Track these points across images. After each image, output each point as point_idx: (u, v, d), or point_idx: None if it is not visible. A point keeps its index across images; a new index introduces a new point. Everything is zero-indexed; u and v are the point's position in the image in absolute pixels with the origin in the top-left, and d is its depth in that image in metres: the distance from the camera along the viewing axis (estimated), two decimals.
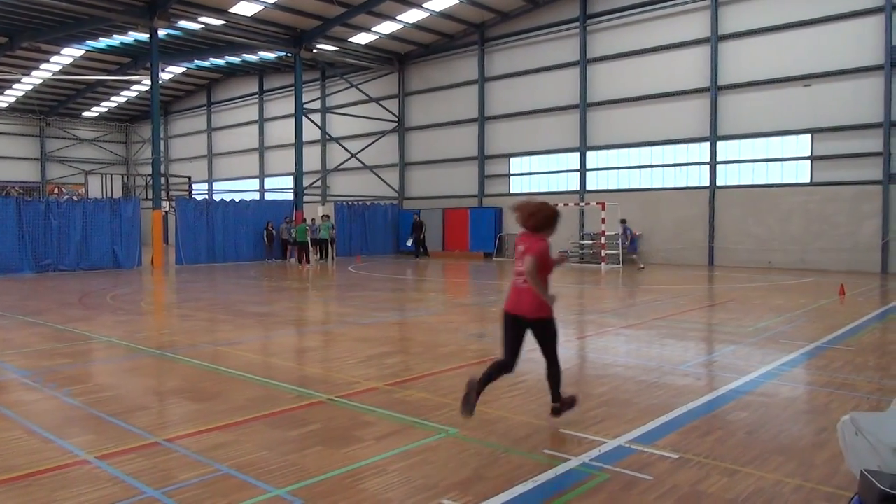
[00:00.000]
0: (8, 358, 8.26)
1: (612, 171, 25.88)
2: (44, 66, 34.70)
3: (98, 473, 4.40)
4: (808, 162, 21.49)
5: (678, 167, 24.25)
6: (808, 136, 21.39)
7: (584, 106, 25.94)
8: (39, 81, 37.90)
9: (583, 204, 25.45)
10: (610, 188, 25.74)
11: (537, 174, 28.11)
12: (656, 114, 24.32)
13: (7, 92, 40.13)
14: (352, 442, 4.99)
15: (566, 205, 25.05)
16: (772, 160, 22.19)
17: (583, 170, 26.34)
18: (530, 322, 5.16)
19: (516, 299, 5.21)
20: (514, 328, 5.20)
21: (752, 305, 12.71)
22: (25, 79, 36.97)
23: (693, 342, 9.22)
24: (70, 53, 32.80)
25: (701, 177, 23.63)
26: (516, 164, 28.80)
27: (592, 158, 26.31)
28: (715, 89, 22.79)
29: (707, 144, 23.23)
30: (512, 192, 28.76)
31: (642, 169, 25.08)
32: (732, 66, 22.52)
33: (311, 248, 25.62)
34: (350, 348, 8.82)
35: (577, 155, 26.47)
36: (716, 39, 22.68)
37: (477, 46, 29.04)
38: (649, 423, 5.39)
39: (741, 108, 22.45)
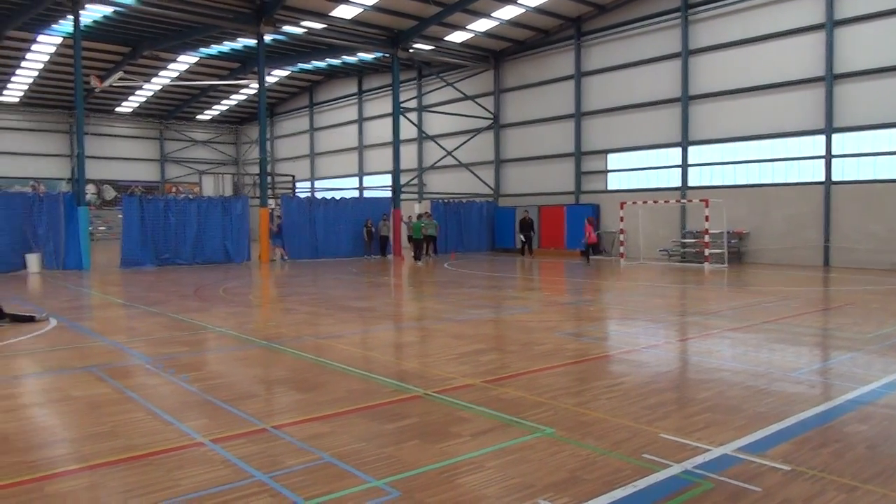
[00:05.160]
0: (134, 345, 8.94)
1: (717, 166, 24.76)
2: (162, 73, 37.23)
3: (212, 456, 4.68)
4: None
5: (789, 161, 22.87)
6: None
7: (685, 99, 24.97)
8: (159, 87, 40.69)
9: (684, 201, 24.50)
10: (714, 184, 24.64)
11: (636, 170, 27.34)
12: (765, 106, 23.04)
13: (130, 98, 43.35)
14: (448, 437, 5.05)
15: (667, 202, 24.23)
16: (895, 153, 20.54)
17: (685, 165, 25.35)
18: None
19: None
20: None
21: (872, 310, 11.82)
22: (146, 85, 39.77)
23: (806, 348, 8.68)
24: (185, 60, 35.02)
25: (815, 172, 22.17)
26: (614, 160, 28.12)
27: (695, 153, 25.26)
28: (830, 78, 21.30)
29: (822, 137, 21.77)
30: (609, 188, 28.13)
31: (749, 164, 23.83)
32: (850, 52, 20.95)
33: (422, 245, 25.84)
34: (446, 344, 8.92)
35: (678, 150, 25.52)
36: (831, 25, 21.17)
37: (573, 41, 28.56)
38: (758, 432, 5.13)
39: (860, 97, 20.85)
